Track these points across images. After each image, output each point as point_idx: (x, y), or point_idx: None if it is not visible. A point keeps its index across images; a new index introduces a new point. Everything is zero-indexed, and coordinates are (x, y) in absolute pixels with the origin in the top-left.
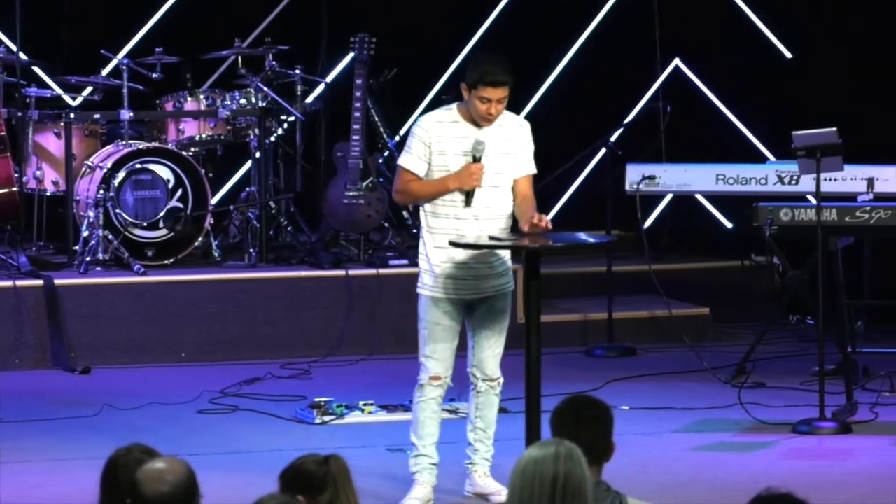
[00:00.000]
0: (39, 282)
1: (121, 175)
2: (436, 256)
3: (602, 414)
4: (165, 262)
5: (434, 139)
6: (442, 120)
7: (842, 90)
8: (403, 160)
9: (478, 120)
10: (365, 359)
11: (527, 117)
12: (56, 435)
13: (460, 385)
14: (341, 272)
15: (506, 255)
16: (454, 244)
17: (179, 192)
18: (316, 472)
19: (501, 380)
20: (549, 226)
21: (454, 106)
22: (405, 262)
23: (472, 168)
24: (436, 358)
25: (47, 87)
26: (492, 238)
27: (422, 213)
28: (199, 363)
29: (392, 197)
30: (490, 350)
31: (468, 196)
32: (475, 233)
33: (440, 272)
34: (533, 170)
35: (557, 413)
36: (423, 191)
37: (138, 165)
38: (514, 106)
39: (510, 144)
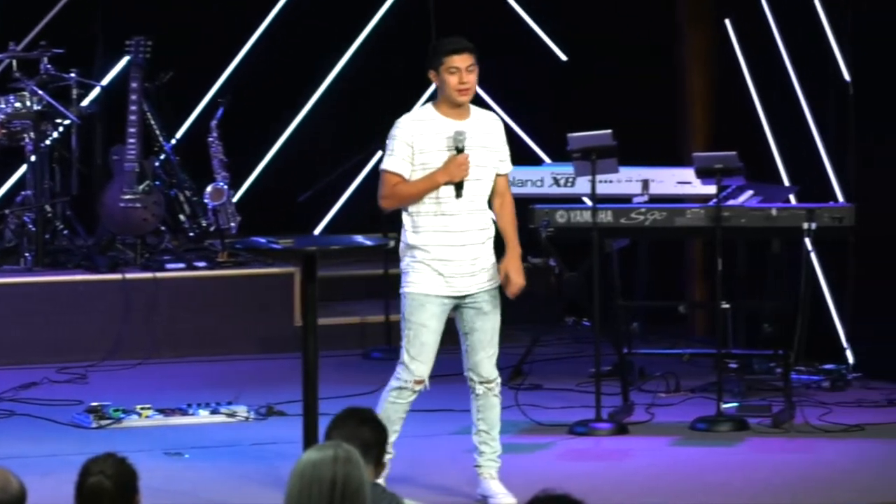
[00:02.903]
0: None
1: None
2: (422, 254)
3: (378, 423)
4: None
5: (416, 138)
6: (419, 119)
7: (616, 92)
8: (388, 164)
9: (454, 97)
10: (142, 363)
11: (303, 120)
12: None
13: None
14: (118, 276)
15: (489, 252)
16: (241, 248)
17: None
18: (84, 483)
19: (499, 379)
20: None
21: (428, 105)
22: (182, 265)
23: (458, 159)
24: (421, 360)
25: None
26: (271, 241)
27: (405, 215)
28: None
29: (378, 204)
30: (484, 352)
31: (458, 188)
32: (462, 227)
33: (427, 269)
34: (510, 167)
35: (336, 417)
36: (413, 190)
37: None
38: (291, 107)
39: (489, 138)
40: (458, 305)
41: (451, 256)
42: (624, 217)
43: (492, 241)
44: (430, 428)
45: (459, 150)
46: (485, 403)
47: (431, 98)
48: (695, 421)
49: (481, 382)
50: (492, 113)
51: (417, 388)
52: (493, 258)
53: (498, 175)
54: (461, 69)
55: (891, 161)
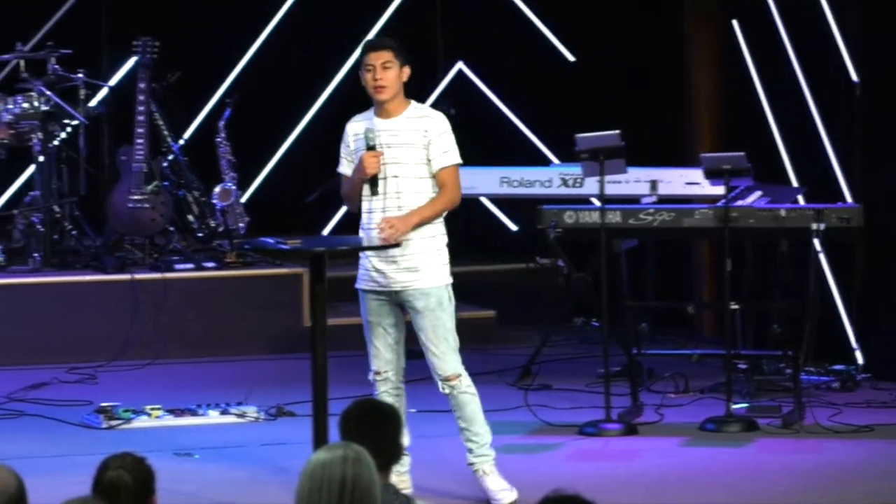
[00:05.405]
0: None
1: None
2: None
3: (389, 418)
4: None
5: (351, 139)
6: (357, 119)
7: (625, 93)
8: (340, 167)
9: (371, 95)
10: (151, 363)
11: (311, 120)
12: None
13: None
14: (126, 276)
15: (417, 251)
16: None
17: None
18: (103, 476)
19: (462, 375)
20: (395, 233)
21: (372, 106)
22: (191, 265)
23: (365, 156)
24: (373, 353)
25: None
26: (280, 241)
27: None
28: None
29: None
30: (429, 352)
31: (372, 184)
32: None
33: (363, 265)
34: (450, 161)
35: (346, 417)
36: (346, 190)
37: None
38: (299, 107)
39: (414, 136)
40: (398, 302)
41: (370, 252)
42: (632, 218)
43: (426, 241)
44: (438, 428)
45: (371, 147)
46: (456, 402)
47: (443, 95)
48: (704, 421)
49: (441, 380)
50: (430, 110)
51: (378, 379)
52: (426, 259)
53: (435, 172)
54: (375, 66)
55: None
